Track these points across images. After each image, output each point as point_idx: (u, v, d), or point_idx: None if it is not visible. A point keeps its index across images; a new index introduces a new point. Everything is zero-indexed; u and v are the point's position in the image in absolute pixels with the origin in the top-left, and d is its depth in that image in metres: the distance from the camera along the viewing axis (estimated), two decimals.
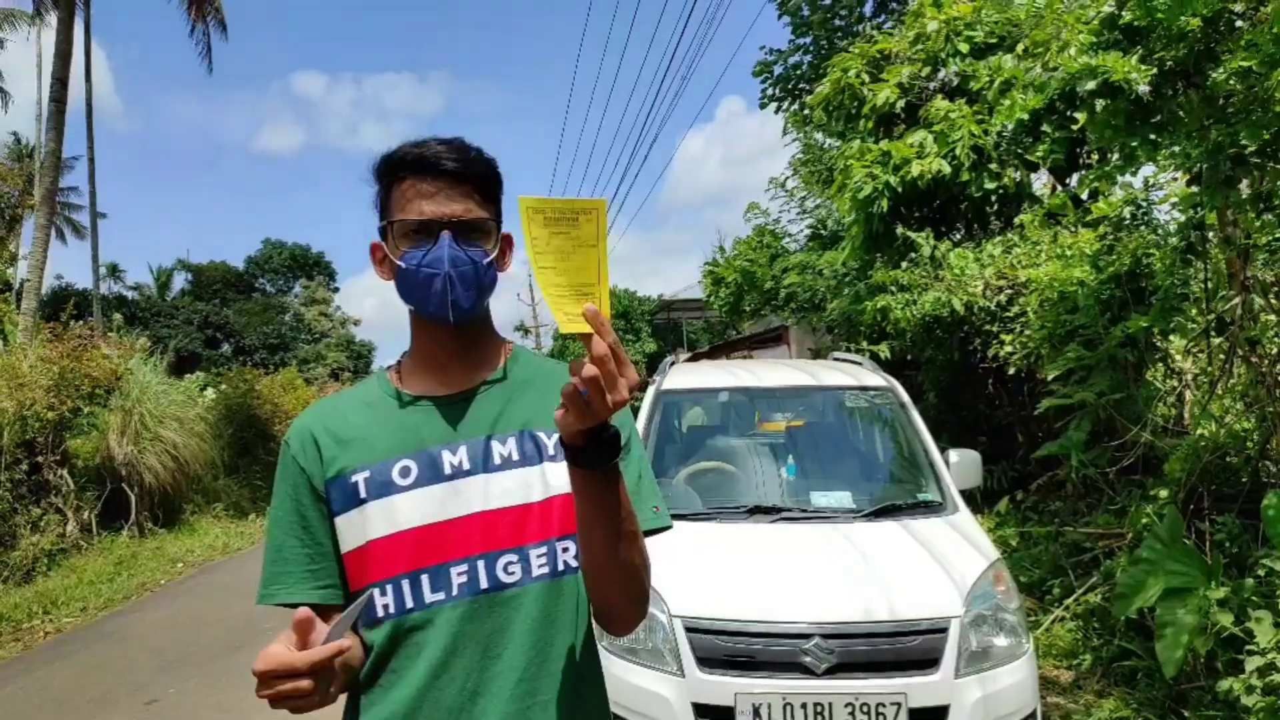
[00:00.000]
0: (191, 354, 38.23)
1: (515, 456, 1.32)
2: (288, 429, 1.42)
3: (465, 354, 1.37)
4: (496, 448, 1.32)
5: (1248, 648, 3.59)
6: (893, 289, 7.91)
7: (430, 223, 1.28)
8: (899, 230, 8.22)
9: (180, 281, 46.44)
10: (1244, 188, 4.18)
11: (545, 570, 1.29)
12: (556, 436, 1.30)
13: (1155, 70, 3.79)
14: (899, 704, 3.00)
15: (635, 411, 3.73)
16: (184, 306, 42.88)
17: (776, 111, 12.36)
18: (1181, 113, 3.85)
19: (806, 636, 3.08)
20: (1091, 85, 3.83)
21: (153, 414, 12.76)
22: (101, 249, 21.61)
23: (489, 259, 1.32)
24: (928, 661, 3.10)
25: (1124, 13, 3.81)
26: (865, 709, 2.99)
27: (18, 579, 9.15)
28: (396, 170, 1.31)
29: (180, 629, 7.52)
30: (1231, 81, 3.43)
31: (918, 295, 7.63)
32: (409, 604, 1.26)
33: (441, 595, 1.26)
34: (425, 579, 1.26)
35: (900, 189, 7.88)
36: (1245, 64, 3.27)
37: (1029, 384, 7.23)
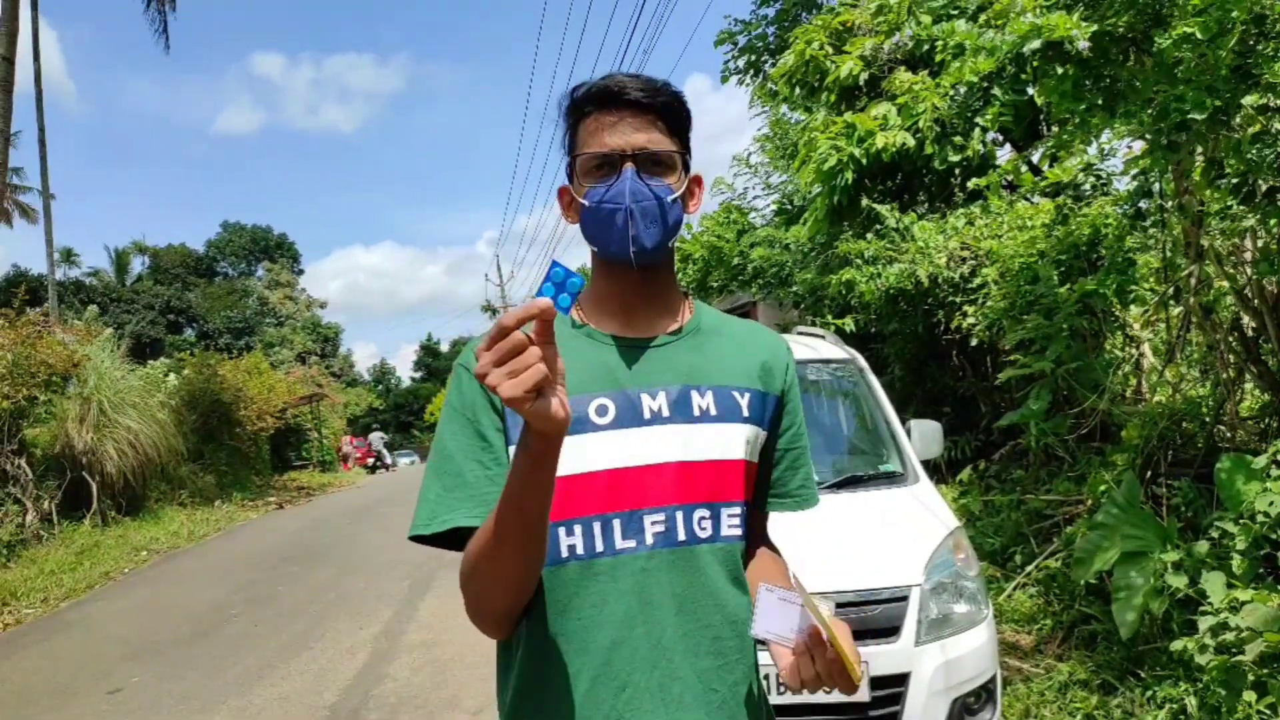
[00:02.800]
0: (153, 340, 37.61)
1: (714, 411, 1.27)
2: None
3: (650, 300, 1.32)
4: (696, 399, 1.27)
5: (1201, 608, 3.66)
6: (858, 262, 7.92)
7: (613, 155, 1.23)
8: (864, 202, 8.23)
9: (138, 265, 45.59)
10: (1198, 156, 4.22)
11: (736, 530, 1.27)
12: (748, 397, 1.31)
13: (1095, 27, 3.79)
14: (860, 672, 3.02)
15: None
16: (144, 291, 42.11)
17: (740, 84, 12.31)
18: (1135, 80, 3.86)
19: None
20: (1035, 45, 3.82)
21: (112, 401, 12.54)
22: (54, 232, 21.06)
23: (673, 195, 1.26)
24: (889, 630, 3.12)
25: None
26: None
27: None
28: (582, 106, 1.27)
29: (144, 617, 7.43)
30: (1184, 47, 3.45)
31: (882, 269, 7.65)
32: (599, 548, 1.20)
33: (633, 543, 1.20)
34: (617, 524, 1.20)
35: (865, 161, 7.88)
36: (1189, 30, 3.29)
37: (991, 355, 7.31)
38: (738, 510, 1.27)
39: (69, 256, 40.87)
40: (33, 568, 9.24)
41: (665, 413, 1.25)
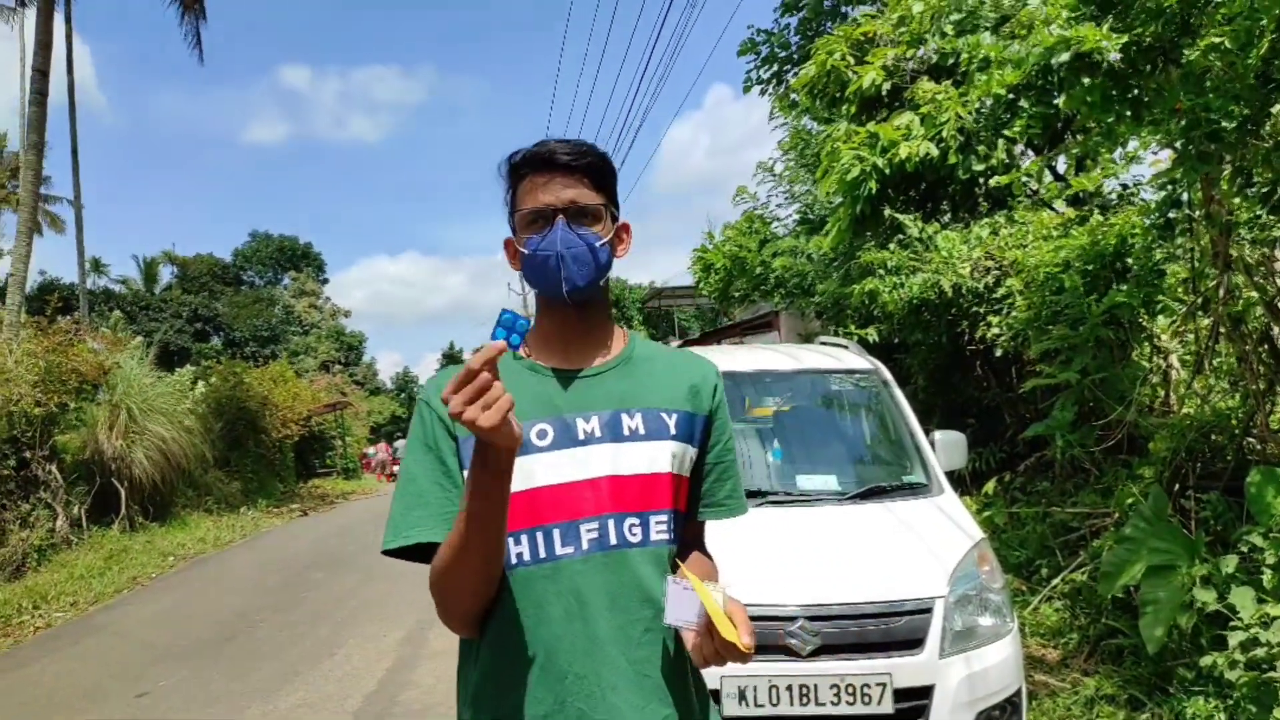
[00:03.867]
0: (181, 348, 38.06)
1: (642, 430, 1.43)
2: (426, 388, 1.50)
3: (587, 334, 1.49)
4: (625, 420, 1.43)
5: (1231, 623, 3.62)
6: (880, 272, 7.89)
7: (546, 210, 1.41)
8: (886, 212, 8.20)
9: (167, 275, 46.12)
10: (1227, 165, 4.18)
11: (664, 536, 1.42)
12: (675, 417, 1.47)
13: (1126, 38, 3.78)
14: (884, 684, 3.01)
15: None
16: (172, 300, 42.63)
17: (762, 94, 12.29)
18: (1163, 89, 3.84)
19: (792, 619, 3.08)
20: (1065, 57, 3.83)
21: (141, 408, 12.71)
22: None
23: (601, 241, 1.43)
24: (913, 642, 3.11)
25: None
26: (850, 690, 3.00)
27: (7, 574, 9.13)
28: (519, 169, 1.45)
29: (171, 622, 7.52)
30: (1211, 57, 3.42)
31: (906, 278, 7.62)
32: (541, 554, 1.36)
33: (571, 549, 1.36)
34: (556, 533, 1.36)
35: (888, 171, 7.85)
36: (1217, 40, 3.26)
37: (1016, 365, 7.25)
38: (665, 518, 1.43)
39: (97, 266, 41.38)
40: (62, 572, 9.38)
41: (598, 433, 1.42)
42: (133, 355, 13.66)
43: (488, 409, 1.11)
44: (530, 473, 1.37)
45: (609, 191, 1.48)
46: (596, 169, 1.45)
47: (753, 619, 3.15)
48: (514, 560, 1.36)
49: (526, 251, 1.43)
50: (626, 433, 1.42)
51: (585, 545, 1.37)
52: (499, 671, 1.38)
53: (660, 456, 1.43)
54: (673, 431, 1.46)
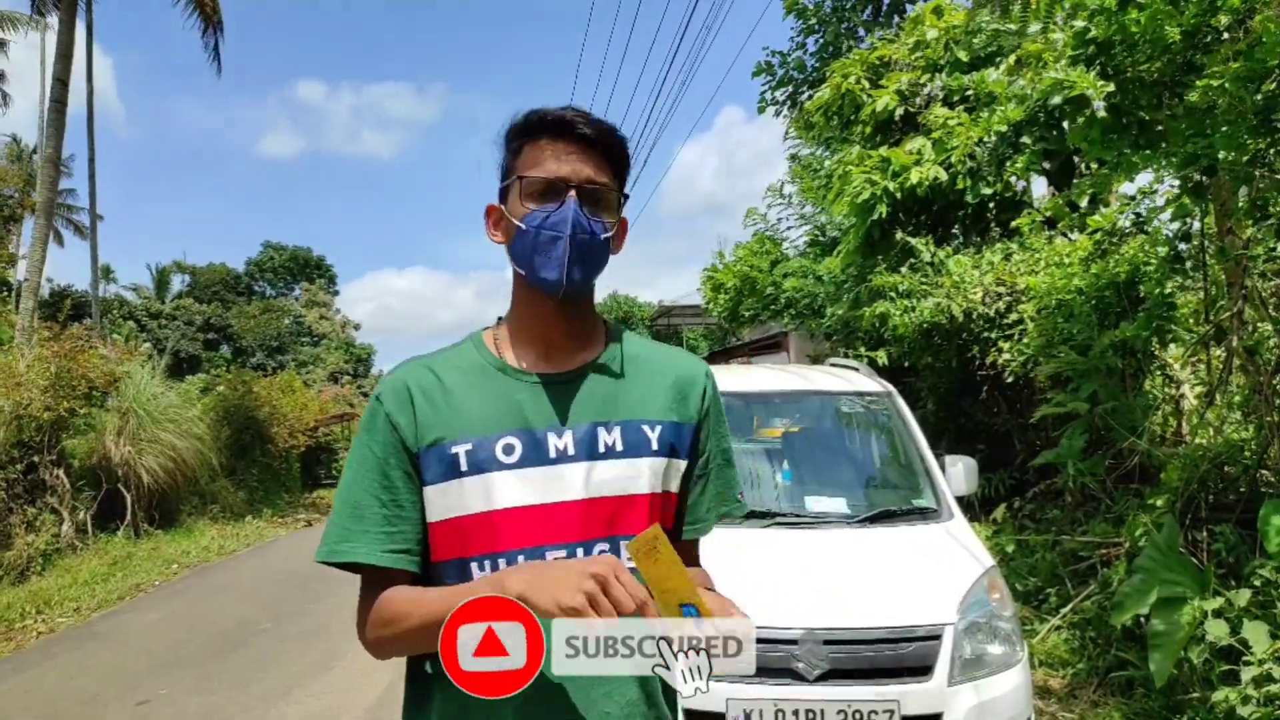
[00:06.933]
0: (191, 356, 38.22)
1: (619, 447, 1.28)
2: (383, 383, 1.34)
3: (570, 330, 1.33)
4: (602, 435, 1.28)
5: (1244, 658, 3.57)
6: (892, 295, 7.90)
7: (559, 183, 1.24)
8: (898, 236, 8.22)
9: (178, 283, 46.34)
10: (1242, 195, 4.17)
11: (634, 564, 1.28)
12: (659, 429, 1.31)
13: (1112, 87, 3.85)
14: (892, 711, 2.98)
15: None
16: (183, 308, 42.82)
17: (776, 115, 12.37)
18: (1178, 118, 3.84)
19: (799, 642, 3.06)
20: (1057, 100, 3.93)
21: (151, 415, 12.75)
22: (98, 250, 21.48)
23: (608, 234, 1.28)
24: (921, 669, 3.08)
25: (1092, 28, 3.84)
26: (858, 716, 2.97)
27: (12, 579, 9.13)
28: (531, 131, 1.27)
29: (173, 630, 7.49)
30: (1217, 91, 3.42)
31: (917, 302, 7.62)
32: None
33: None
34: (521, 559, 1.22)
35: (899, 195, 7.88)
36: (1217, 83, 3.28)
37: (1027, 391, 7.22)
38: None
39: (107, 274, 41.64)
40: (66, 577, 9.37)
41: (570, 451, 1.26)
42: (142, 364, 13.72)
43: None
44: (493, 493, 1.23)
45: (624, 180, 1.32)
46: (617, 151, 1.29)
47: (760, 641, 3.12)
48: None
49: (523, 226, 1.25)
50: (602, 449, 1.27)
51: None
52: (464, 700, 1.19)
53: (639, 476, 1.29)
54: (654, 447, 1.31)
